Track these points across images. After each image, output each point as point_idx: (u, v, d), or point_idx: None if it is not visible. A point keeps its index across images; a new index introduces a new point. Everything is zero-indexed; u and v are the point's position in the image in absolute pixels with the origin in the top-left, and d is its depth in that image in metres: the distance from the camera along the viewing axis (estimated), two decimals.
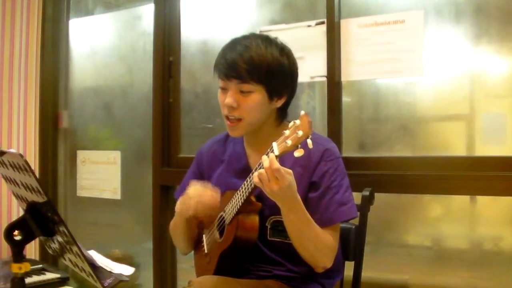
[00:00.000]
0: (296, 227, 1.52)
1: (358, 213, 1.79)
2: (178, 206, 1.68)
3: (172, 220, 1.83)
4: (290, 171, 1.41)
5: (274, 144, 1.38)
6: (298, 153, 1.34)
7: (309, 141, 1.34)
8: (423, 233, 2.14)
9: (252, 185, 1.48)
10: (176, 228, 1.81)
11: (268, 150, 1.40)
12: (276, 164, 1.36)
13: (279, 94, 1.63)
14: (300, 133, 1.33)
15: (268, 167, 1.37)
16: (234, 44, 1.62)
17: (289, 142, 1.34)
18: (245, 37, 1.64)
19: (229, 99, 1.59)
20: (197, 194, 1.62)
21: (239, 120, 1.61)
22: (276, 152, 1.37)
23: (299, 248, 1.56)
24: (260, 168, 1.41)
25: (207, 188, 1.64)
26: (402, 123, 2.10)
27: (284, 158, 1.41)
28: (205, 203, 1.61)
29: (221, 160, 1.78)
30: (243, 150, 1.73)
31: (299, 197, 1.47)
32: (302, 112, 1.35)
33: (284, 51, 1.63)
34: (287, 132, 1.36)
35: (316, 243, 1.54)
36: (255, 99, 1.58)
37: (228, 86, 1.60)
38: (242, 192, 1.54)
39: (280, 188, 1.39)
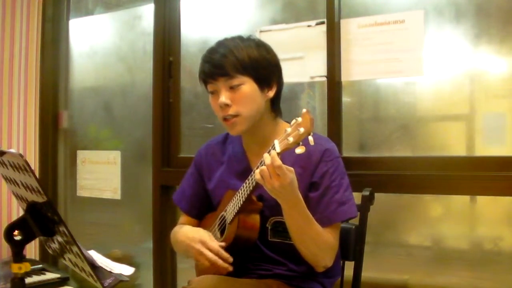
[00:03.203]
0: (297, 224, 1.52)
1: (358, 213, 1.80)
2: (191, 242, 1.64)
3: (174, 230, 1.81)
4: (292, 168, 1.42)
5: (276, 142, 1.39)
6: (300, 149, 1.34)
7: (310, 138, 1.34)
8: (423, 233, 2.14)
9: (254, 183, 1.48)
10: (179, 239, 1.78)
11: (270, 147, 1.40)
12: (278, 161, 1.37)
13: (268, 84, 1.64)
14: (302, 130, 1.33)
15: (270, 164, 1.37)
16: (212, 50, 1.65)
17: (291, 139, 1.34)
18: (221, 42, 1.66)
19: (222, 98, 1.60)
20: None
21: (236, 116, 1.61)
22: (278, 149, 1.38)
23: (300, 246, 1.56)
24: (261, 166, 1.42)
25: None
26: (402, 123, 2.10)
27: (284, 158, 1.41)
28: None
29: (221, 162, 1.78)
30: (243, 151, 1.73)
31: (300, 194, 1.47)
32: (304, 110, 1.35)
33: (261, 44, 1.66)
34: (288, 129, 1.36)
35: (317, 241, 1.54)
36: (246, 90, 1.59)
37: (218, 87, 1.62)
38: (244, 190, 1.54)
39: (282, 185, 1.39)
